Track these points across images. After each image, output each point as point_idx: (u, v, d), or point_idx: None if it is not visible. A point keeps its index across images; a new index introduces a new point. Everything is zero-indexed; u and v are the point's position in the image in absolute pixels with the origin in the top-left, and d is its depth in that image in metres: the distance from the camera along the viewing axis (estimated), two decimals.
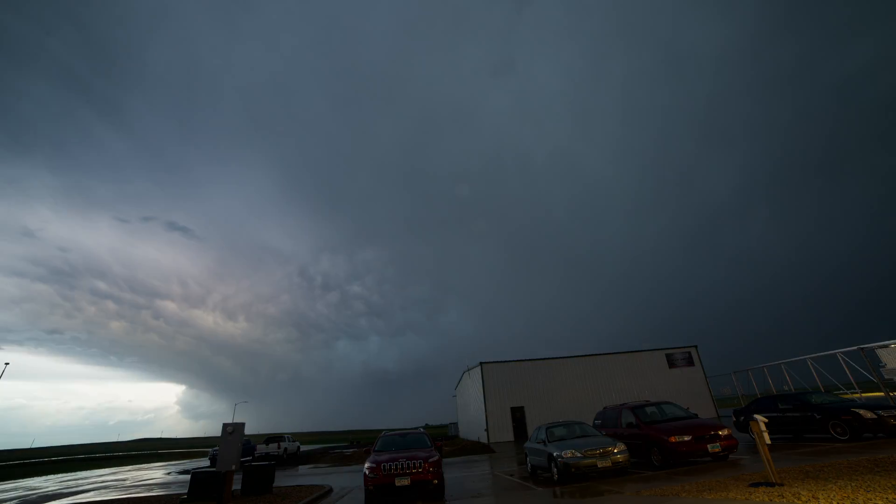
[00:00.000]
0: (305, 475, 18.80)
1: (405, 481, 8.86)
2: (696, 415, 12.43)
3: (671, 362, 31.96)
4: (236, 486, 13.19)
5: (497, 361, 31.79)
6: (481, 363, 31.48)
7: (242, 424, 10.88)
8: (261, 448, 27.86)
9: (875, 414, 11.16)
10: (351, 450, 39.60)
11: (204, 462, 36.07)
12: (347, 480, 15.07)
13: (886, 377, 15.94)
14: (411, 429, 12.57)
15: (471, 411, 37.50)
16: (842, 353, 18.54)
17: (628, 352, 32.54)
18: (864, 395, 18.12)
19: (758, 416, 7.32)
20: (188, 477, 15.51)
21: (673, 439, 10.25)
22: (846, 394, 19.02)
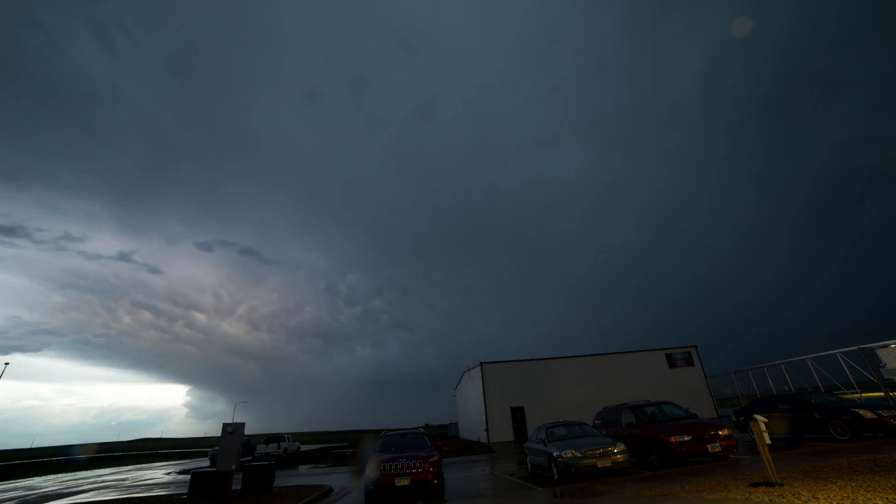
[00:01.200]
0: (305, 475, 18.80)
1: (405, 481, 8.86)
2: (696, 415, 12.43)
3: (671, 362, 31.94)
4: (236, 486, 13.18)
5: (497, 361, 31.78)
6: (481, 363, 31.47)
7: (242, 424, 10.86)
8: (261, 448, 27.84)
9: (875, 414, 11.16)
10: (350, 450, 39.60)
11: (204, 462, 36.06)
12: (347, 480, 15.07)
13: (886, 377, 15.94)
14: (411, 429, 12.57)
15: (471, 411, 37.49)
16: (842, 353, 18.54)
17: (628, 352, 32.53)
18: (864, 395, 18.12)
19: (758, 416, 7.32)
20: (188, 477, 15.50)
21: (673, 439, 10.25)
22: (846, 394, 19.01)
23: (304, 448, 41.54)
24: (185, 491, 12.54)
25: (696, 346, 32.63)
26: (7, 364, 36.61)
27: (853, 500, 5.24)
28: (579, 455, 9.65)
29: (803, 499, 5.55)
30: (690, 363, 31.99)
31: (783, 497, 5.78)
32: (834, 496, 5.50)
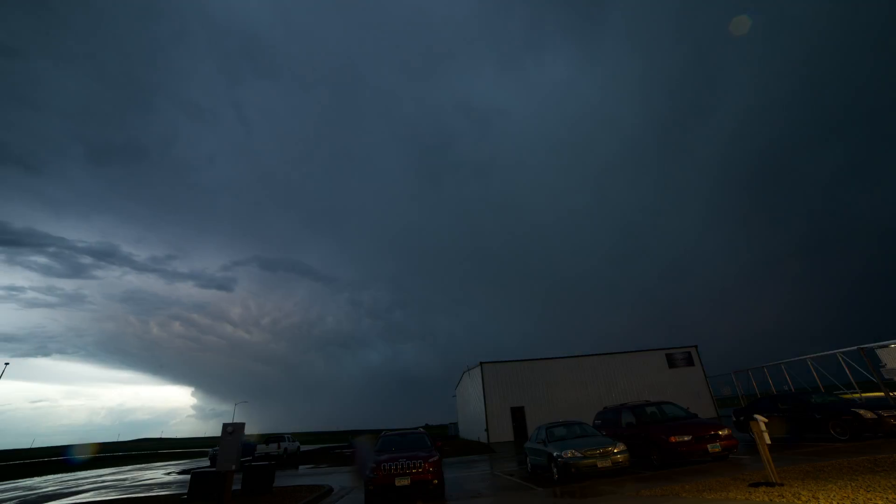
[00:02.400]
0: (305, 475, 18.80)
1: (405, 481, 8.86)
2: (696, 415, 12.43)
3: (671, 362, 31.95)
4: (236, 486, 13.18)
5: (497, 361, 31.78)
6: (481, 363, 31.47)
7: (242, 424, 10.86)
8: (261, 448, 27.81)
9: (875, 414, 11.17)
10: (350, 450, 39.55)
11: (204, 462, 36.05)
12: (347, 480, 15.07)
13: (886, 377, 15.93)
14: (411, 429, 12.57)
15: (471, 411, 37.49)
16: (842, 353, 18.54)
17: (628, 352, 32.53)
18: (864, 395, 18.12)
19: (758, 416, 7.32)
20: (188, 477, 15.49)
21: (673, 439, 10.26)
22: (846, 394, 19.00)
23: (304, 448, 41.51)
24: (186, 491, 12.54)
25: (696, 346, 32.64)
26: (7, 364, 36.62)
27: (853, 500, 5.24)
28: (579, 455, 9.65)
29: (803, 499, 5.55)
30: (690, 363, 31.99)
31: (783, 497, 5.78)
32: (834, 496, 5.50)
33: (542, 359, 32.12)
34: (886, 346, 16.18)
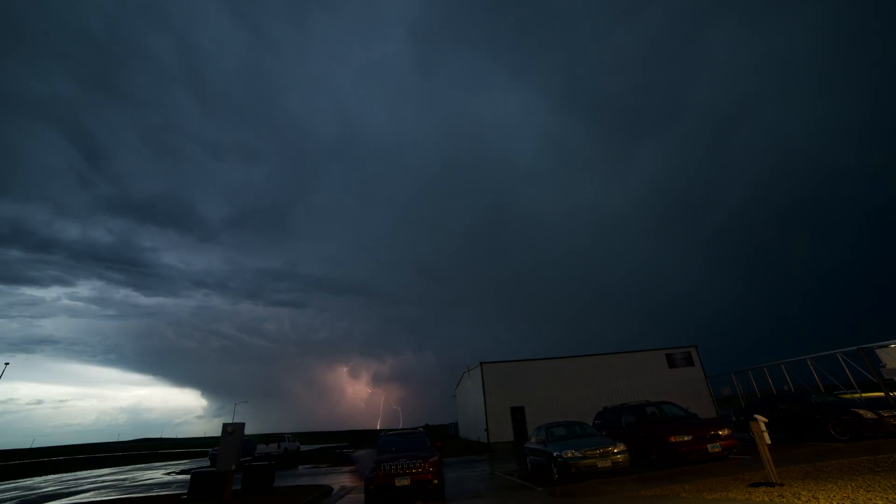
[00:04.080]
0: (305, 475, 18.80)
1: (405, 481, 8.87)
2: (696, 415, 12.43)
3: (671, 362, 31.93)
4: (236, 485, 13.18)
5: (497, 361, 31.79)
6: (481, 363, 31.48)
7: (242, 424, 10.87)
8: (261, 448, 27.81)
9: (875, 414, 11.16)
10: (350, 450, 39.53)
11: (204, 462, 36.06)
12: (347, 480, 15.07)
13: (886, 377, 15.94)
14: (411, 429, 12.58)
15: (471, 411, 37.50)
16: (842, 353, 18.54)
17: (628, 352, 32.51)
18: (864, 395, 18.12)
19: (758, 416, 7.33)
20: (188, 477, 15.50)
21: (673, 439, 10.26)
22: (846, 394, 19.00)
23: (304, 448, 41.50)
24: (185, 491, 12.54)
25: (696, 346, 32.62)
26: (7, 364, 36.65)
27: (853, 500, 5.24)
28: (579, 455, 9.65)
29: (803, 499, 5.55)
30: (690, 363, 31.97)
31: (783, 497, 5.78)
32: (834, 496, 5.50)
33: (542, 359, 32.12)
34: (886, 346, 16.19)
